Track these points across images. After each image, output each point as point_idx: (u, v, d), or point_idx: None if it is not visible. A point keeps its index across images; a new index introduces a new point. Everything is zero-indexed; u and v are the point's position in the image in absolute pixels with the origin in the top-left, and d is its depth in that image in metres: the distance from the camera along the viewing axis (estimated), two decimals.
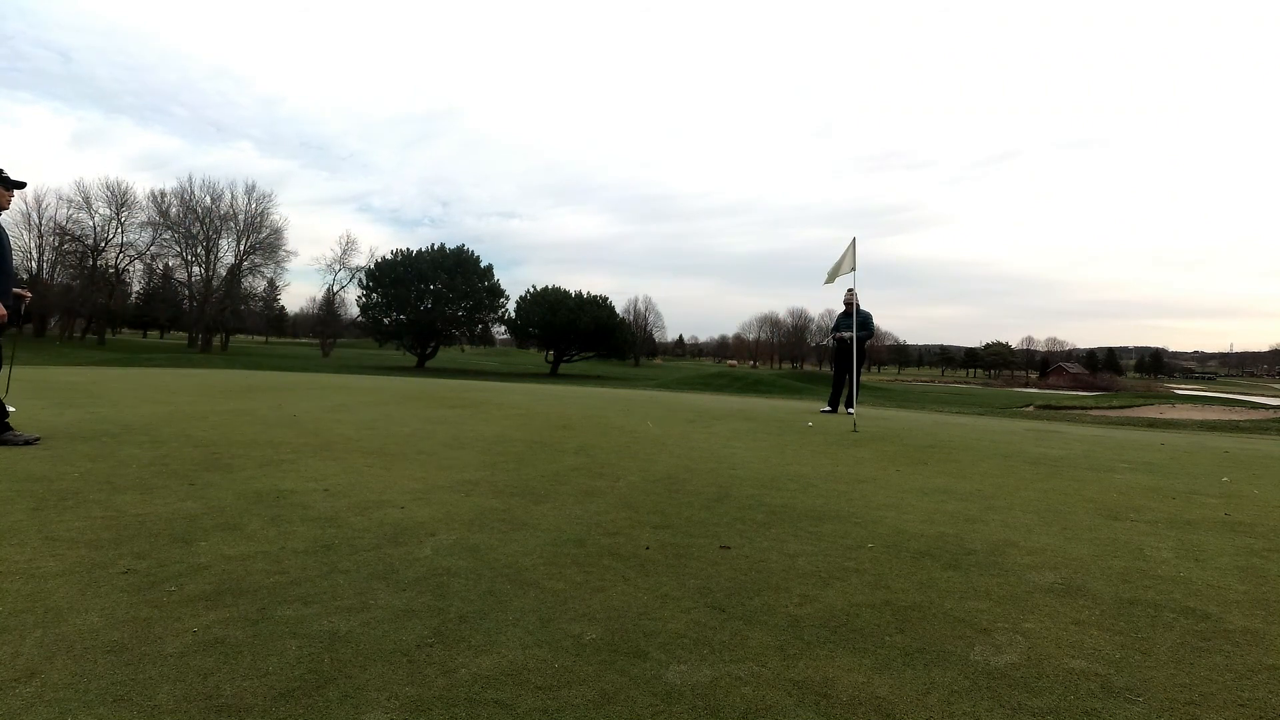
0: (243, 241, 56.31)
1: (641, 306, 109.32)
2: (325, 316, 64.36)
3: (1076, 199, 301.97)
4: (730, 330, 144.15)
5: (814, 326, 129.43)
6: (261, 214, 56.41)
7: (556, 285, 56.02)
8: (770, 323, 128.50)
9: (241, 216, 55.87)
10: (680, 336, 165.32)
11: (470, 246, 61.40)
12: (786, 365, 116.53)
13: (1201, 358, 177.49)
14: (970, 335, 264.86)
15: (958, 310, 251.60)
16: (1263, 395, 55.10)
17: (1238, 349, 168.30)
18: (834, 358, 9.89)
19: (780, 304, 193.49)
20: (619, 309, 60.04)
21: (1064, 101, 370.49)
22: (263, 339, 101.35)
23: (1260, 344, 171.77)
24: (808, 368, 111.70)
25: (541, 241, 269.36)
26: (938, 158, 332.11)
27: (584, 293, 55.22)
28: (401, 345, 55.50)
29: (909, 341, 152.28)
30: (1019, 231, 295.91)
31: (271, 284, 63.54)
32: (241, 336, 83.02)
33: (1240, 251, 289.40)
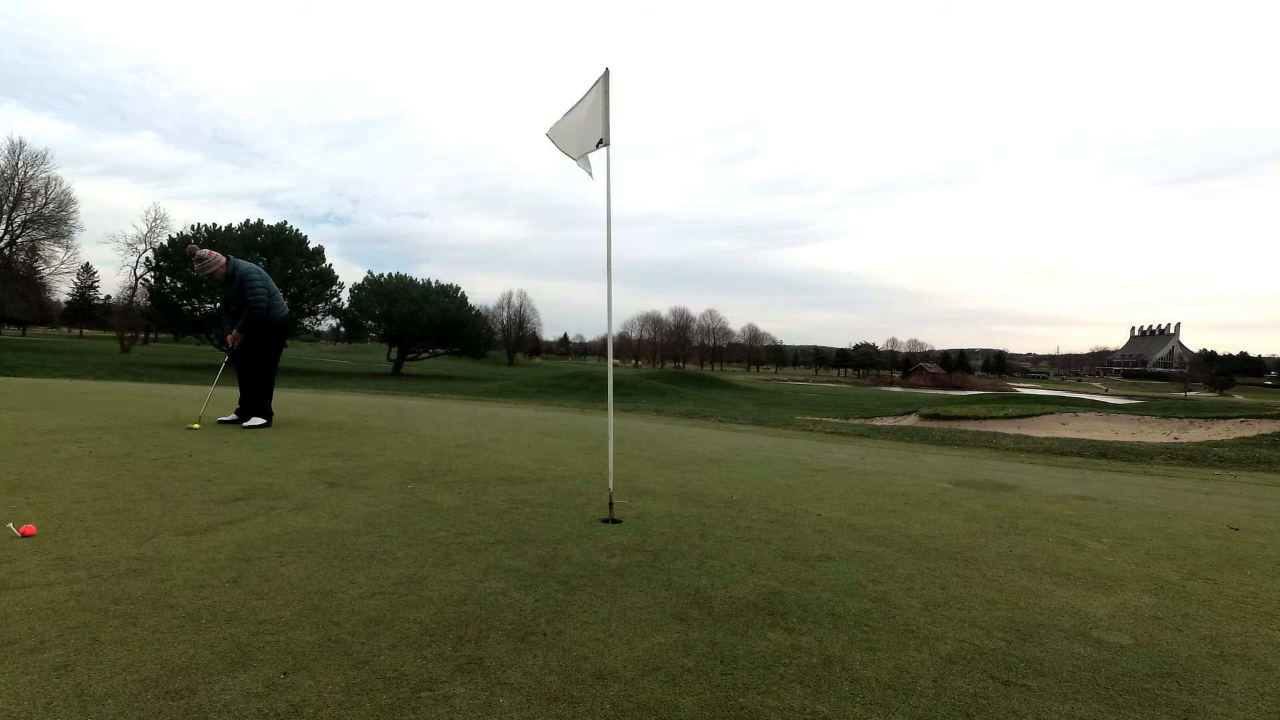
0: (15, 214, 44.38)
1: (517, 302, 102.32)
2: (126, 305, 53.43)
3: (941, 224, 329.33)
4: (618, 330, 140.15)
5: (695, 326, 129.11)
6: (46, 181, 44.92)
7: (402, 274, 48.71)
8: (653, 321, 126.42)
9: (8, 182, 43.93)
10: (565, 335, 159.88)
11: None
12: (670, 365, 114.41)
13: (1035, 359, 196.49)
14: (841, 337, 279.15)
15: (832, 315, 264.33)
16: (1109, 396, 58.62)
17: (1063, 352, 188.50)
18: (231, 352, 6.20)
19: (665, 303, 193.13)
20: (495, 307, 53.84)
21: (939, 143, 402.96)
22: (68, 331, 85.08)
23: (1081, 347, 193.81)
24: (689, 367, 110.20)
25: (447, 243, 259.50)
26: (828, 184, 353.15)
27: (432, 281, 48.36)
28: (207, 338, 46.10)
29: (786, 343, 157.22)
30: (890, 248, 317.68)
31: (87, 269, 51.00)
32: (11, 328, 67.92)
33: (1065, 271, 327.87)
